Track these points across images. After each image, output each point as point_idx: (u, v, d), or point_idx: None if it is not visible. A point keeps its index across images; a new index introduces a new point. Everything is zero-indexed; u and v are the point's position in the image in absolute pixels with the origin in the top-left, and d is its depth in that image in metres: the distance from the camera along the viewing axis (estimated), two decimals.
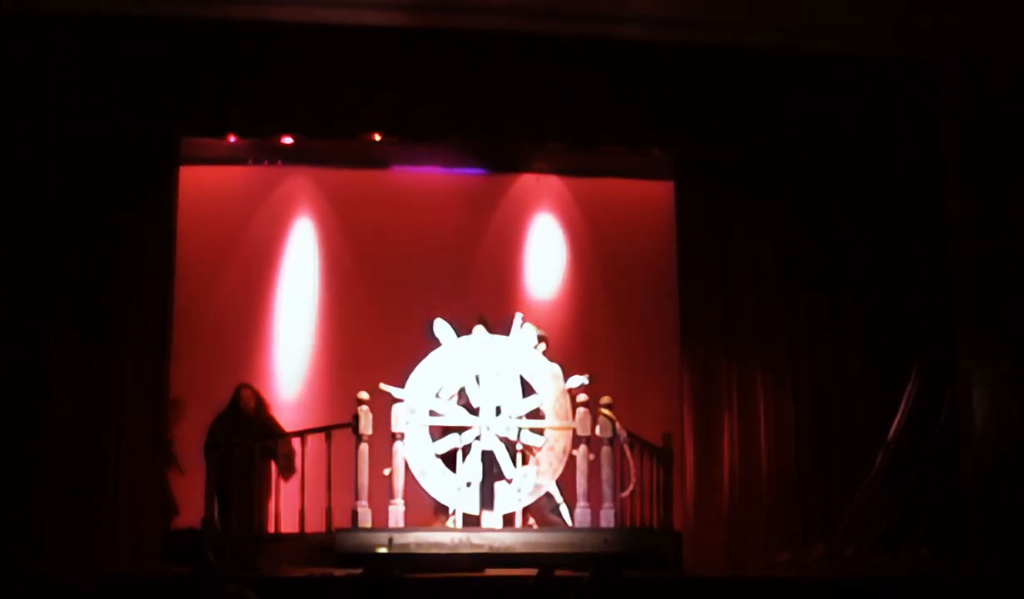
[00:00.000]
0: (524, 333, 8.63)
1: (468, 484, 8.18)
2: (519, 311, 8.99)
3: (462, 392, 8.53)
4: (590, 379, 8.50)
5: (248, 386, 9.19)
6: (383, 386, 8.21)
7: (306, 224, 10.25)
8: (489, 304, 9.53)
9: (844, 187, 9.62)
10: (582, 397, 8.47)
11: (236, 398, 9.07)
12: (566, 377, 8.58)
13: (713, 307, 9.48)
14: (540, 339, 8.77)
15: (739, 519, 9.20)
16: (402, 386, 8.34)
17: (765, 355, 9.47)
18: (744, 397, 9.41)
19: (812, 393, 9.45)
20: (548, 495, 8.53)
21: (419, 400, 8.26)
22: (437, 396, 8.41)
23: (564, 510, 8.59)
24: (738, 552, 9.10)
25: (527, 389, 8.54)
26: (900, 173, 9.62)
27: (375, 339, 9.87)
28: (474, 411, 8.40)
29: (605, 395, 8.51)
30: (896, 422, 9.21)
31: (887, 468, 9.09)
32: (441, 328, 8.42)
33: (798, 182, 9.60)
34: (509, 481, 8.23)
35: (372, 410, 8.31)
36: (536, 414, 8.55)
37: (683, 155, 9.65)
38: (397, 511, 8.17)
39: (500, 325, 8.88)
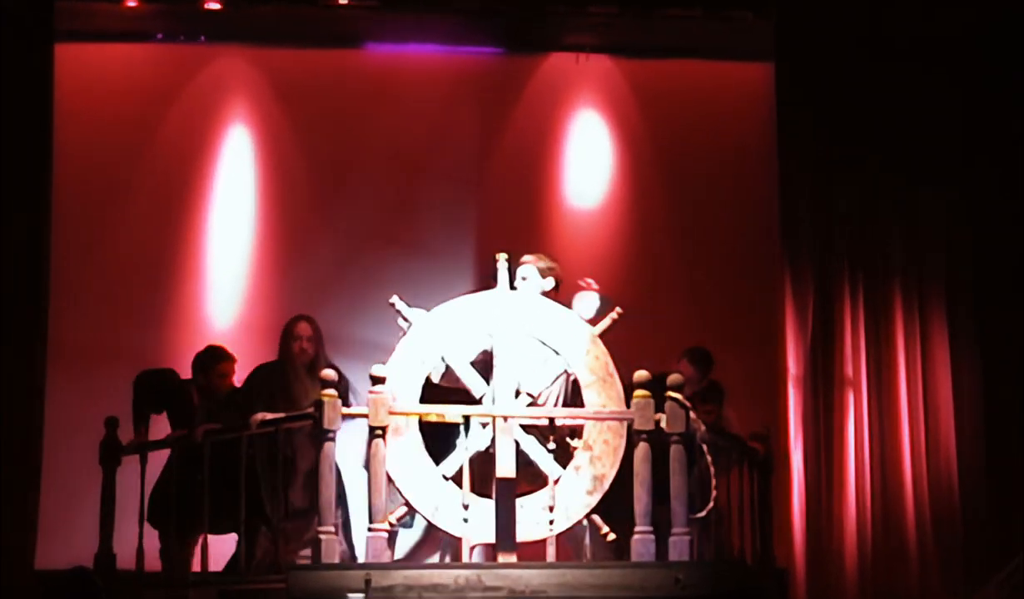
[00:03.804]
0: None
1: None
2: (544, 243, 8.91)
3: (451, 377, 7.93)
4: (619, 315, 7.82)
5: (308, 318, 8.18)
6: (345, 412, 7.56)
7: (241, 127, 9.87)
8: (507, 233, 9.21)
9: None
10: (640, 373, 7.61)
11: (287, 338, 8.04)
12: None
13: (829, 237, 9.03)
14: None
15: (872, 551, 8.78)
16: (382, 363, 7.64)
17: (908, 304, 9.00)
18: (877, 368, 8.90)
19: (980, 359, 8.96)
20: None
21: (403, 400, 7.74)
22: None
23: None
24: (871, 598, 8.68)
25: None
26: None
27: (342, 294, 9.55)
28: (477, 400, 7.85)
29: (673, 372, 7.62)
30: None
31: None
32: (402, 308, 7.88)
33: (950, 51, 9.15)
34: (556, 482, 7.64)
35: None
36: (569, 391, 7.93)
37: (787, 23, 9.18)
38: (378, 539, 7.33)
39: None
